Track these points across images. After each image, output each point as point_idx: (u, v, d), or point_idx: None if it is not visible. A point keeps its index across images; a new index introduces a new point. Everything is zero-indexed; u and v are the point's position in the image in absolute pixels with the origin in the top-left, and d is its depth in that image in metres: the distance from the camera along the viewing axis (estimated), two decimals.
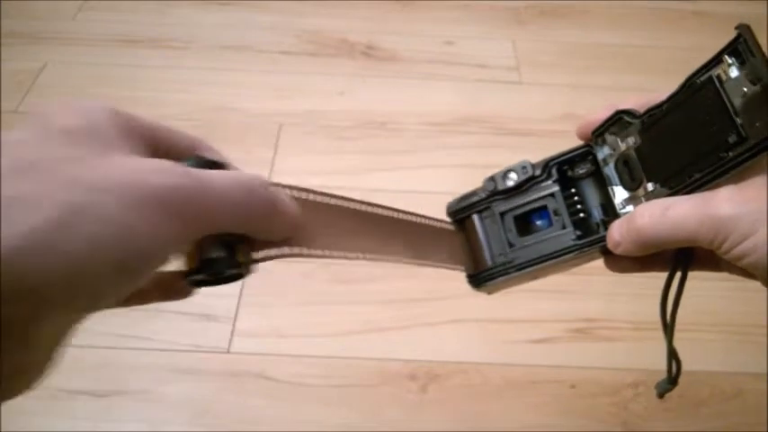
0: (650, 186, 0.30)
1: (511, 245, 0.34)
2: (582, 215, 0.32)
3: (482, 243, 0.35)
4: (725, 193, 0.26)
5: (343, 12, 1.06)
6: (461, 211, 0.35)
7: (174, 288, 0.27)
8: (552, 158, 0.33)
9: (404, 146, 0.85)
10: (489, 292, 0.36)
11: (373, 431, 0.58)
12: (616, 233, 0.29)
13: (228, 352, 0.63)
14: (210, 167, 0.23)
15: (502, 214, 0.34)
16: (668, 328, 0.33)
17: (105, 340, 0.63)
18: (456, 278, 0.70)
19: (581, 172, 0.33)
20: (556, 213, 0.33)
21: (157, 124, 0.25)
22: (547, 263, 0.33)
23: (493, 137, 0.87)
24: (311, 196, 0.28)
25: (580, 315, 0.68)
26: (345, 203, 0.30)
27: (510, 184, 0.34)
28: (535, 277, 0.34)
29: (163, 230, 0.20)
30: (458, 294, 0.69)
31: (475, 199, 0.35)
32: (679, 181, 0.28)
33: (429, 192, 0.77)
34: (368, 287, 0.69)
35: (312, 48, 1.00)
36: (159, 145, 0.25)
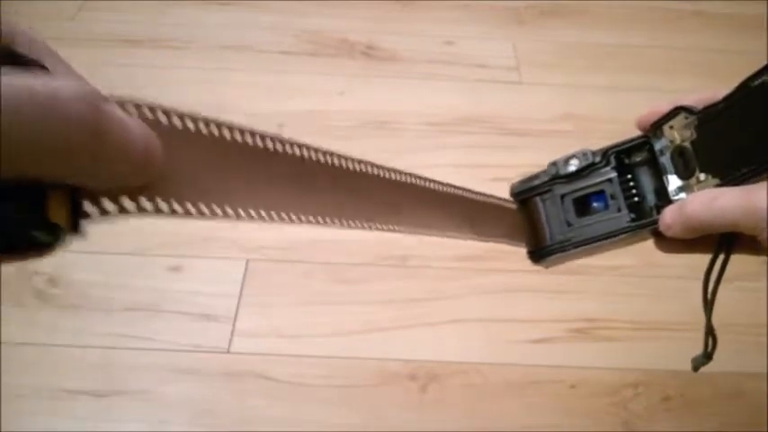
0: (702, 176, 0.32)
1: (569, 224, 0.37)
2: (636, 199, 0.35)
3: (543, 222, 0.38)
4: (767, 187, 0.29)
5: (343, 12, 1.06)
6: (524, 193, 0.38)
7: None
8: (611, 147, 0.36)
9: (404, 146, 0.85)
10: (547, 266, 0.39)
11: (373, 431, 0.58)
12: (668, 217, 0.32)
13: (228, 352, 0.63)
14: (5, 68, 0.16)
15: (562, 196, 0.37)
16: (708, 305, 0.35)
17: (105, 340, 0.63)
18: (456, 278, 0.70)
19: (637, 160, 0.36)
20: (612, 197, 0.36)
21: None
22: (602, 242, 0.36)
23: (493, 137, 0.87)
24: (202, 125, 0.21)
25: (580, 315, 0.68)
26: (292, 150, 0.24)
27: (571, 169, 0.37)
28: (590, 254, 0.37)
29: None
30: (458, 294, 0.70)
31: (537, 182, 0.38)
32: (728, 173, 0.31)
33: None
34: (368, 287, 0.69)
35: (312, 48, 1.00)
36: None
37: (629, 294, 0.70)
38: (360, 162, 0.29)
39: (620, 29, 1.07)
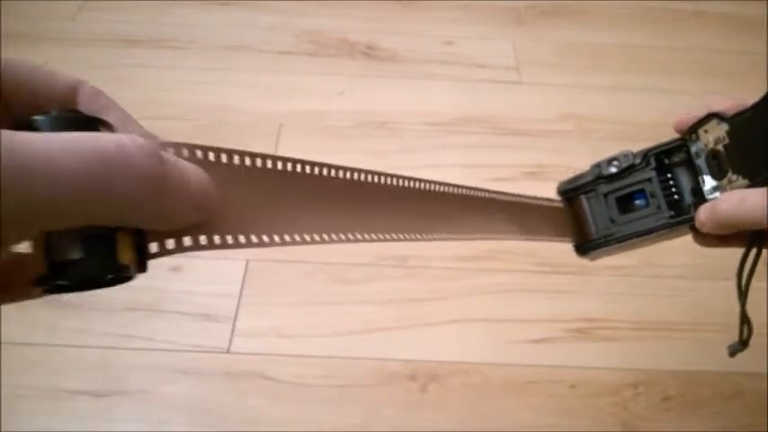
0: (734, 178, 0.35)
1: (613, 221, 0.40)
2: (675, 198, 0.38)
3: (588, 219, 0.41)
4: None
5: (343, 12, 1.06)
6: (570, 192, 0.41)
7: (20, 289, 0.21)
8: (651, 149, 0.39)
9: (404, 146, 0.85)
10: (592, 259, 0.42)
11: (373, 431, 0.58)
12: (702, 215, 0.35)
13: (228, 352, 0.63)
14: (74, 127, 0.17)
15: (606, 195, 0.40)
16: (742, 294, 0.38)
17: (105, 340, 0.63)
18: (456, 278, 0.70)
19: (675, 161, 0.38)
20: (652, 195, 0.38)
21: (14, 63, 0.20)
22: (643, 237, 0.38)
23: (493, 137, 0.87)
24: (241, 160, 0.21)
25: (580, 315, 0.68)
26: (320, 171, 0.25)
27: (613, 170, 0.39)
28: (632, 248, 0.40)
29: None
30: (458, 294, 0.70)
31: (582, 181, 0.41)
32: (758, 174, 0.34)
33: None
34: (368, 287, 0.69)
35: (312, 48, 1.00)
36: (16, 93, 0.19)
37: (629, 294, 0.70)
38: (416, 180, 0.31)
39: (620, 29, 1.07)
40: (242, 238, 0.21)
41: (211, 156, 0.20)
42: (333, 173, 0.26)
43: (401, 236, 0.29)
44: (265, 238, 0.22)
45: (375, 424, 0.59)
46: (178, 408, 0.59)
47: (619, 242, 0.39)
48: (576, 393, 0.61)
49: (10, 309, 0.64)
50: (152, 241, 0.19)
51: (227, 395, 0.60)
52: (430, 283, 0.70)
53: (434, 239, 0.31)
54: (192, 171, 0.19)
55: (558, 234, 0.41)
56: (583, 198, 0.41)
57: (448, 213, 0.33)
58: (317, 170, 0.25)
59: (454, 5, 1.09)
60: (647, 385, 0.62)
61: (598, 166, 0.40)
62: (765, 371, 0.62)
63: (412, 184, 0.30)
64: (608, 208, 0.40)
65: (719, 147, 0.36)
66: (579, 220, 0.41)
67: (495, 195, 0.37)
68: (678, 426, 0.60)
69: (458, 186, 0.34)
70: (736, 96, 0.36)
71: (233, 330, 0.65)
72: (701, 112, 0.37)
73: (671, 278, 0.71)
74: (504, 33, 1.05)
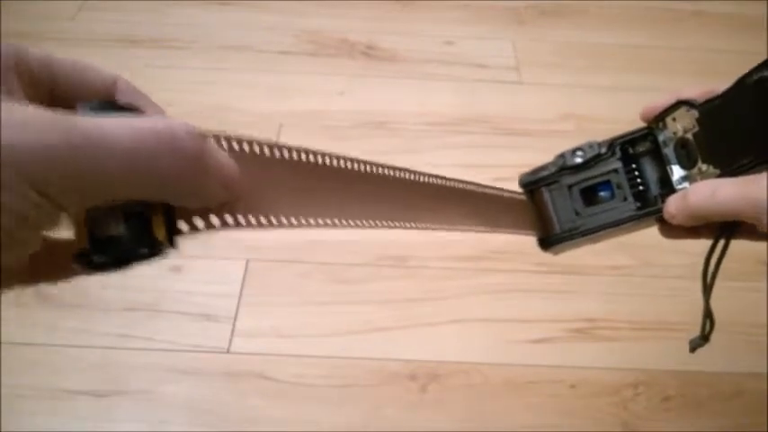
0: (704, 167, 0.34)
1: (577, 213, 0.38)
2: (641, 188, 0.37)
3: (551, 212, 0.39)
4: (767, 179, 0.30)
5: (343, 12, 1.06)
6: (533, 184, 0.40)
7: (59, 269, 0.21)
8: (617, 138, 0.38)
9: (404, 146, 0.85)
10: (555, 254, 0.40)
11: (373, 431, 0.58)
12: (672, 207, 0.34)
13: (228, 352, 0.63)
14: (116, 112, 0.19)
15: (570, 186, 0.38)
16: (707, 288, 0.37)
17: (105, 340, 0.63)
18: (456, 278, 0.70)
19: (641, 150, 0.37)
20: (618, 187, 0.37)
21: (58, 60, 0.21)
22: (609, 230, 0.37)
23: (493, 137, 0.87)
24: (262, 149, 0.23)
25: (580, 315, 0.68)
26: (329, 161, 0.26)
27: (578, 160, 0.38)
28: (598, 241, 0.39)
29: (19, 204, 0.16)
30: (458, 294, 0.70)
31: (545, 173, 0.39)
32: (729, 164, 0.32)
33: None
34: (367, 287, 0.69)
35: (312, 48, 1.00)
36: (60, 85, 0.21)
37: (629, 294, 0.70)
38: (381, 166, 0.31)
39: (620, 29, 1.07)
40: (263, 219, 0.23)
41: (236, 145, 0.22)
42: (327, 161, 0.27)
43: (371, 222, 0.29)
44: (283, 220, 0.24)
45: (375, 424, 0.59)
46: (178, 408, 0.59)
47: (583, 235, 0.38)
48: (576, 393, 0.61)
49: (10, 309, 0.64)
50: (181, 218, 0.21)
51: (227, 395, 0.60)
52: (430, 283, 0.70)
53: (393, 227, 0.31)
54: (225, 156, 0.21)
55: (521, 227, 0.40)
56: (546, 190, 0.39)
57: (405, 200, 0.32)
58: (319, 159, 0.26)
59: (454, 5, 1.09)
60: (647, 385, 0.62)
61: (562, 156, 0.39)
62: (765, 371, 0.62)
63: (361, 167, 0.30)
64: (572, 200, 0.38)
65: (688, 135, 0.35)
66: (542, 214, 0.40)
67: (455, 184, 0.36)
68: (678, 426, 0.60)
69: (414, 172, 0.32)
70: (708, 84, 0.34)
71: (233, 330, 0.65)
72: (670, 101, 0.36)
73: (671, 278, 0.71)
74: (504, 33, 1.05)
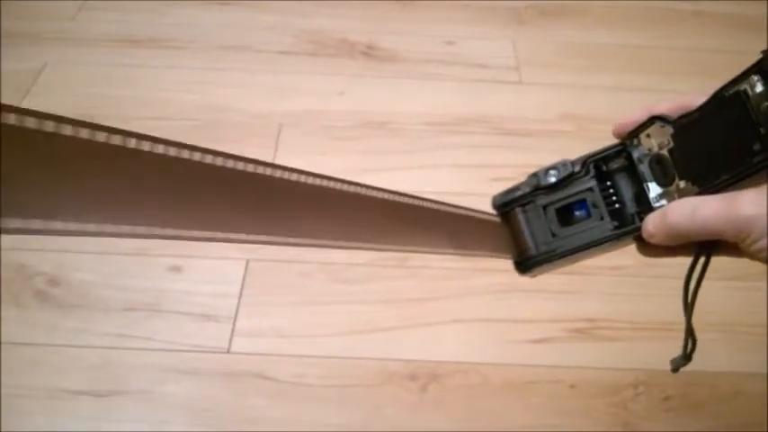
0: (682, 184, 0.33)
1: (554, 234, 0.37)
2: (618, 206, 0.36)
3: (526, 233, 0.38)
4: (748, 196, 0.29)
5: (343, 12, 1.06)
6: (506, 205, 0.39)
7: None
8: (590, 156, 0.37)
9: (404, 146, 0.85)
10: (534, 276, 0.39)
11: (373, 431, 0.58)
12: (651, 226, 0.33)
13: (228, 352, 0.63)
14: None
15: (544, 207, 0.37)
16: (688, 306, 0.37)
17: (105, 340, 0.63)
18: (456, 278, 0.70)
19: (615, 167, 0.36)
20: (594, 206, 0.36)
21: None
22: (587, 250, 0.37)
23: (493, 137, 0.87)
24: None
25: (580, 315, 0.68)
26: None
27: (551, 180, 0.37)
28: (576, 261, 0.38)
29: None
30: (458, 294, 0.70)
31: (519, 193, 0.38)
32: (708, 180, 0.31)
33: (429, 192, 0.77)
34: (368, 287, 0.69)
35: (312, 48, 1.00)
36: None
37: (629, 294, 0.70)
38: (332, 179, 0.28)
39: (620, 29, 1.07)
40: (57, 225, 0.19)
41: (31, 122, 0.17)
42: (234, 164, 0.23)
43: (308, 241, 0.26)
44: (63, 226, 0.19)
45: (375, 424, 0.59)
46: (178, 408, 0.59)
47: (561, 257, 0.37)
48: (576, 393, 0.61)
49: (10, 309, 0.64)
50: None
51: (227, 395, 0.60)
52: (430, 283, 0.70)
53: (350, 248, 0.28)
54: None
55: (496, 250, 0.38)
56: (520, 211, 0.38)
57: (368, 220, 0.30)
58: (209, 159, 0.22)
59: (454, 5, 1.09)
60: (647, 385, 0.62)
61: (536, 175, 0.38)
62: (765, 371, 0.62)
63: (322, 182, 0.27)
64: (548, 221, 0.37)
65: (664, 151, 0.34)
66: (517, 236, 0.38)
67: (424, 203, 0.34)
68: (678, 426, 0.60)
69: (381, 190, 0.30)
70: (680, 99, 0.33)
71: (233, 330, 0.65)
72: (642, 116, 0.35)
73: (671, 278, 0.70)
74: (505, 33, 1.05)
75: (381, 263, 0.71)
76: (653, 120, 0.34)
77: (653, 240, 0.33)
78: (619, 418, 0.60)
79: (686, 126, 0.33)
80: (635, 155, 0.35)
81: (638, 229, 0.34)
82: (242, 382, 0.61)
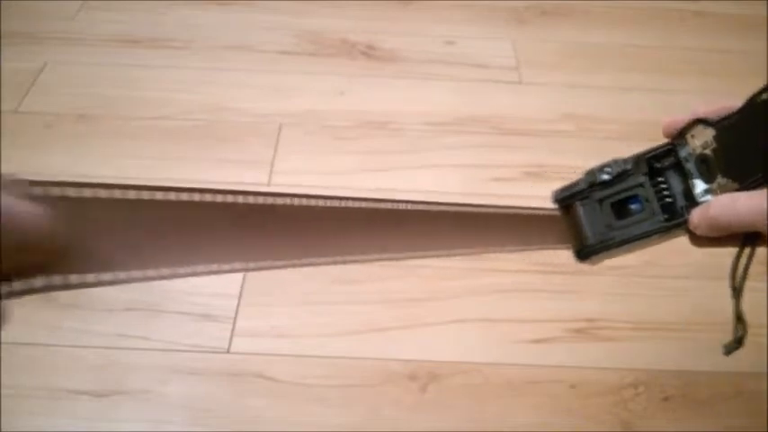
0: (723, 181, 0.36)
1: (609, 226, 0.40)
2: (668, 201, 0.39)
3: (584, 225, 0.41)
4: None
5: (343, 12, 1.06)
6: (566, 199, 0.42)
7: None
8: (642, 154, 0.40)
9: (404, 146, 0.85)
10: (592, 264, 0.42)
11: (373, 431, 0.58)
12: (695, 218, 0.36)
13: (228, 352, 0.63)
14: None
15: (600, 201, 0.41)
16: (736, 293, 0.40)
17: (105, 340, 0.63)
18: (456, 278, 0.70)
19: (666, 165, 0.39)
20: (646, 200, 0.39)
21: None
22: (640, 241, 0.39)
23: (493, 137, 0.87)
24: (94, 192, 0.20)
25: (580, 315, 0.67)
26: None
27: (605, 177, 0.40)
28: (630, 251, 0.40)
29: None
30: (458, 294, 0.70)
31: (576, 189, 0.41)
32: (746, 178, 0.35)
33: (429, 192, 0.77)
34: (368, 287, 0.69)
35: (312, 48, 1.00)
36: None
37: (629, 294, 0.69)
38: (400, 202, 0.31)
39: (620, 29, 1.07)
40: (103, 277, 0.20)
41: (55, 190, 0.19)
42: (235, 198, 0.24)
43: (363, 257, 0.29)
44: (122, 276, 0.21)
45: (375, 424, 0.59)
46: (178, 408, 0.59)
47: (617, 247, 0.40)
48: (576, 393, 0.61)
49: (10, 309, 0.64)
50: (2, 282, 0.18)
51: (226, 395, 0.60)
52: (430, 283, 0.70)
53: (415, 257, 0.32)
54: (25, 211, 0.18)
55: (556, 242, 0.42)
56: (578, 205, 0.41)
57: (438, 230, 0.34)
58: (196, 197, 0.23)
59: (454, 5, 1.09)
60: (647, 385, 0.62)
61: (591, 173, 0.41)
62: (765, 371, 0.62)
63: (394, 206, 0.30)
64: (603, 214, 0.40)
65: (707, 151, 0.37)
66: (576, 227, 0.42)
67: (490, 210, 0.38)
68: (678, 426, 0.60)
69: (450, 204, 0.34)
70: (722, 102, 0.37)
71: (233, 330, 0.65)
72: (687, 116, 0.38)
73: (671, 278, 0.71)
74: (504, 33, 1.05)
75: (381, 263, 0.71)
76: (697, 122, 0.38)
77: (697, 232, 0.36)
78: (619, 418, 0.60)
79: (726, 128, 0.36)
80: (682, 154, 0.39)
81: (686, 221, 0.37)
82: (242, 382, 0.61)
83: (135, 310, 0.66)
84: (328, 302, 0.68)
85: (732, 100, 0.36)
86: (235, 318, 0.66)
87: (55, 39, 0.98)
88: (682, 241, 0.40)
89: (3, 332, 0.64)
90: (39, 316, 0.64)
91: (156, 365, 0.62)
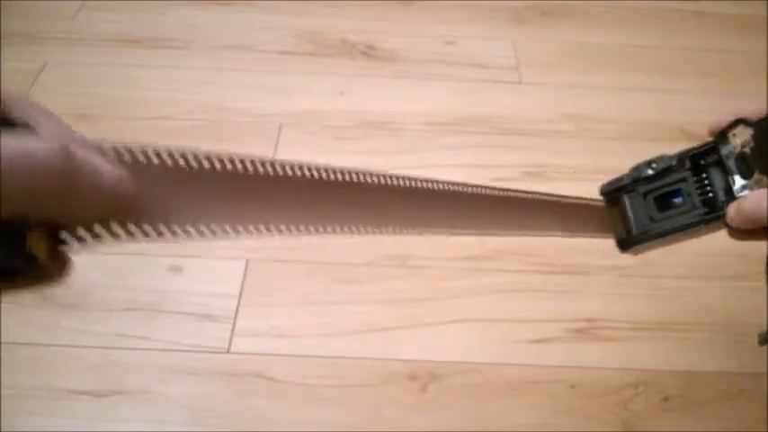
0: (759, 177, 0.38)
1: (652, 218, 0.42)
2: (709, 196, 0.41)
3: (629, 216, 0.43)
4: None
5: (343, 12, 1.06)
6: (612, 192, 0.44)
7: None
8: (686, 152, 0.42)
9: (404, 146, 0.85)
10: (634, 254, 0.44)
11: (373, 431, 0.58)
12: (731, 212, 0.38)
13: (228, 352, 0.63)
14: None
15: (645, 194, 0.43)
16: None
17: (105, 340, 0.63)
18: (456, 278, 0.70)
19: (708, 162, 0.41)
20: (688, 194, 0.41)
21: None
22: (681, 232, 0.41)
23: (493, 137, 0.87)
24: (166, 158, 0.22)
25: (580, 315, 0.67)
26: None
27: (651, 172, 0.42)
28: (671, 243, 0.42)
29: None
30: (458, 294, 0.70)
31: (622, 183, 0.43)
32: None
33: None
34: (368, 287, 0.69)
35: (312, 48, 1.00)
36: None
37: (629, 294, 0.69)
38: (440, 182, 0.36)
39: (620, 29, 1.07)
40: (164, 229, 0.23)
41: (127, 155, 0.21)
42: (294, 171, 0.28)
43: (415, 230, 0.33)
44: (191, 230, 0.23)
45: (375, 424, 0.59)
46: (178, 408, 0.59)
47: (658, 237, 0.42)
48: (576, 393, 0.61)
49: (10, 309, 0.64)
50: (70, 233, 0.20)
51: (226, 395, 0.60)
52: (430, 283, 0.70)
53: (468, 234, 0.36)
54: (105, 167, 0.20)
55: (598, 231, 0.45)
56: (624, 197, 0.43)
57: (488, 212, 0.38)
58: (278, 169, 0.27)
59: (454, 5, 1.09)
60: (647, 385, 0.62)
61: (637, 168, 0.43)
62: (766, 371, 0.62)
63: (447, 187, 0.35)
64: (647, 206, 0.42)
65: (747, 149, 0.39)
66: (621, 218, 0.44)
67: (539, 197, 0.41)
68: (678, 426, 0.60)
69: (505, 190, 0.38)
70: (763, 104, 0.39)
71: (233, 330, 0.65)
72: (729, 119, 0.40)
73: (671, 278, 0.71)
74: (504, 33, 1.05)
75: (382, 263, 0.71)
76: (737, 122, 0.39)
77: (733, 224, 0.38)
78: (619, 418, 0.60)
79: (764, 128, 0.38)
80: (723, 152, 0.40)
81: (724, 215, 0.39)
82: (242, 382, 0.61)
83: (135, 310, 0.66)
84: (328, 302, 0.68)
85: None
86: (235, 318, 0.66)
87: (55, 39, 0.98)
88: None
89: (3, 332, 0.63)
90: (38, 316, 0.64)
91: (156, 365, 0.62)
